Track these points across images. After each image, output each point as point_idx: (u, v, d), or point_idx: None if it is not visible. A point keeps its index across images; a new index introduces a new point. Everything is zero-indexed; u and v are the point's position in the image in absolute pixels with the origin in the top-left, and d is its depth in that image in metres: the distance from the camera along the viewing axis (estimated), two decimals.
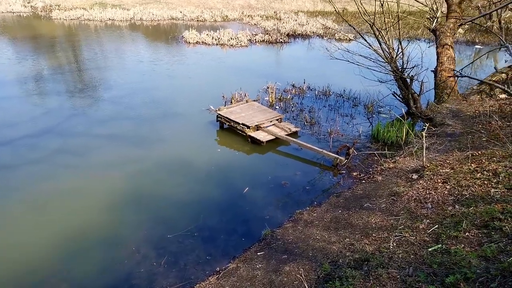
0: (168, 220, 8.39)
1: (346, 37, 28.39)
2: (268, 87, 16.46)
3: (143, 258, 7.26)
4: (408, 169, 10.03)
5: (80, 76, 19.03)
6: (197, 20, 34.05)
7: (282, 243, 7.21)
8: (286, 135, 12.10)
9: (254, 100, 14.60)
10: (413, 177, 9.12)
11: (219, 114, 12.87)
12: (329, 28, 30.21)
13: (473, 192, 7.05)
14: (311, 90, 17.16)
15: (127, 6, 38.55)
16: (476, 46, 27.68)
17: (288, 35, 28.96)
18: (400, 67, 14.13)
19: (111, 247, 7.52)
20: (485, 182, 7.29)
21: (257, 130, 12.38)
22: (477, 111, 13.86)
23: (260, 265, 6.58)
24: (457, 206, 6.79)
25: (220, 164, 10.87)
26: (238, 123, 12.32)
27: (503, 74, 15.75)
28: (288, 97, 16.19)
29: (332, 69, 21.62)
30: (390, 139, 12.30)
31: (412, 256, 5.61)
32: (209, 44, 25.79)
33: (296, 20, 33.19)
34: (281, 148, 12.03)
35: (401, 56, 14.17)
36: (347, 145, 11.41)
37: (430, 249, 5.61)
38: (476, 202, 6.65)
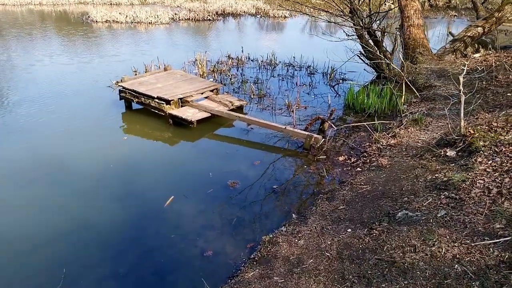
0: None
1: (282, 14, 24.58)
2: (196, 59, 11.95)
3: None
4: (421, 144, 6.15)
5: None
6: (110, 4, 28.40)
7: None
8: (228, 110, 7.74)
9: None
10: (448, 154, 5.19)
11: (123, 87, 8.16)
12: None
13: None
14: (252, 61, 12.92)
15: None
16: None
17: (217, 13, 24.52)
18: (365, 18, 10.35)
19: None
20: None
21: (182, 106, 7.87)
22: (468, 68, 10.48)
23: None
24: None
25: (124, 163, 6.26)
26: (152, 97, 7.72)
27: (479, 28, 12.62)
28: (224, 68, 11.81)
29: (276, 39, 17.56)
30: (373, 107, 8.40)
31: None
32: (121, 23, 20.58)
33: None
34: (221, 131, 7.65)
35: (367, 3, 10.41)
36: (320, 116, 7.29)
37: None
38: None
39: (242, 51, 13.13)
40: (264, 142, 7.12)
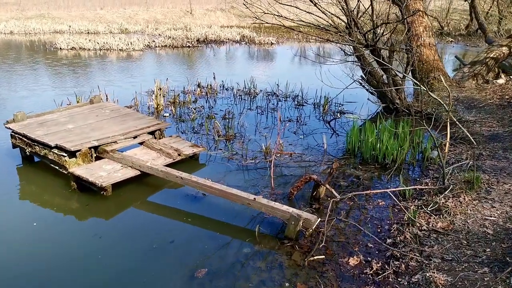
0: None
1: (268, 40, 22.17)
2: (155, 90, 9.12)
3: None
4: (492, 230, 3.27)
5: None
6: (87, 33, 25.90)
7: None
8: (169, 164, 4.83)
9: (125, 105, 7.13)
10: None
11: (13, 131, 5.21)
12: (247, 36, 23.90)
13: None
14: (227, 90, 10.12)
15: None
16: None
17: (198, 41, 22.02)
18: (367, 33, 7.65)
19: None
20: None
21: (98, 158, 4.94)
22: (506, 97, 7.81)
23: None
24: None
25: None
26: (49, 147, 4.78)
27: (504, 48, 10.02)
28: (188, 99, 8.96)
29: (258, 66, 14.90)
30: (390, 155, 5.54)
31: None
32: (89, 50, 17.89)
33: (209, 28, 26.48)
34: (156, 198, 4.70)
35: (370, 16, 7.77)
36: (313, 176, 4.36)
37: None
38: None
39: (214, 78, 10.34)
40: (222, 220, 4.18)
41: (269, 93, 9.69)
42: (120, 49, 18.09)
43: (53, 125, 5.32)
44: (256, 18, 7.88)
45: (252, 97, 9.42)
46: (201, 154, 5.76)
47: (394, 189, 4.31)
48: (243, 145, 6.24)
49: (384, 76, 8.10)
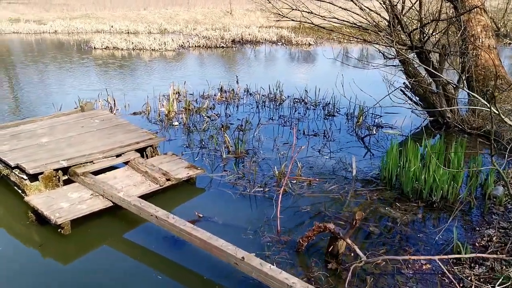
0: None
1: (306, 41, 20.87)
2: (169, 94, 8.20)
3: None
4: None
5: None
6: (127, 33, 25.78)
7: None
8: (155, 191, 3.81)
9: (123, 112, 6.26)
10: None
11: None
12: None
13: None
14: (251, 95, 9.02)
15: (47, 22, 29.94)
16: None
17: (233, 41, 21.10)
18: (411, 33, 6.25)
19: None
20: None
21: (69, 181, 4.00)
22: None
23: None
24: None
25: None
26: (8, 166, 3.91)
27: None
28: (205, 105, 7.94)
29: (290, 69, 13.71)
30: (439, 190, 4.20)
31: None
32: (122, 49, 17.47)
33: (247, 28, 25.52)
34: (132, 236, 3.68)
35: (418, 12, 6.40)
36: (330, 227, 3.14)
37: None
38: None
39: (237, 81, 9.26)
40: (206, 276, 3.08)
41: (296, 100, 8.48)
42: (152, 49, 17.51)
43: (27, 137, 4.46)
44: (280, 15, 6.72)
45: (277, 104, 8.26)
46: (201, 176, 4.69)
47: (445, 257, 2.99)
48: (254, 165, 5.11)
49: (433, 84, 6.67)
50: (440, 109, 6.39)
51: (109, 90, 8.23)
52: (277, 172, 4.78)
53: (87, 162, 4.09)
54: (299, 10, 6.70)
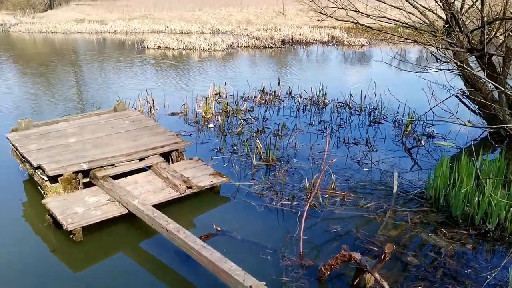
0: None
1: (359, 42, 20.01)
2: (208, 95, 8.06)
3: None
4: None
5: None
6: (181, 33, 26.37)
7: None
8: (175, 199, 3.58)
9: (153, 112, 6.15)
10: None
11: (11, 143, 4.43)
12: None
13: None
14: (293, 98, 8.63)
15: (108, 22, 31.45)
16: None
17: (283, 41, 20.73)
18: (469, 34, 5.50)
19: None
20: None
21: (89, 185, 3.90)
22: None
23: None
24: None
25: None
26: (32, 166, 3.88)
27: None
28: (243, 107, 7.67)
29: (338, 71, 13.11)
30: (491, 214, 3.57)
31: None
32: (173, 49, 17.78)
33: (298, 29, 25.01)
34: (147, 245, 3.47)
35: (479, 10, 5.63)
36: (356, 257, 2.70)
37: None
38: None
39: (279, 83, 8.91)
40: None
41: (340, 104, 7.97)
42: (202, 49, 17.66)
43: (55, 137, 4.45)
44: (323, 14, 6.27)
45: (319, 108, 7.80)
46: (227, 184, 4.41)
47: None
48: (284, 175, 4.74)
49: (495, 91, 5.88)
50: (502, 124, 5.60)
51: (152, 89, 8.24)
52: (307, 184, 4.38)
53: (108, 165, 3.98)
54: (343, 8, 6.21)
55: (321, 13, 6.20)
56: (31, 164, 3.89)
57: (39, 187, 4.03)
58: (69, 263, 3.28)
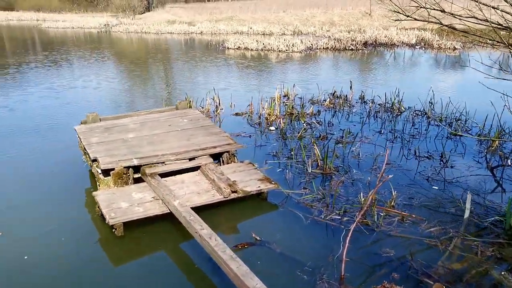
0: None
1: (451, 45, 18.30)
2: (275, 96, 7.90)
3: None
4: None
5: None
6: (263, 34, 26.67)
7: None
8: (219, 202, 3.51)
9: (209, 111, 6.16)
10: None
11: (78, 135, 4.72)
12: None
13: None
14: (365, 103, 8.09)
15: (196, 23, 33.07)
16: None
17: (365, 43, 19.78)
18: None
19: None
20: None
21: (138, 180, 3.98)
22: None
23: None
24: None
25: None
26: (90, 159, 4.08)
27: None
28: (309, 110, 7.37)
29: (421, 77, 12.10)
30: None
31: None
32: (252, 49, 17.98)
33: (384, 30, 23.69)
34: (186, 247, 3.42)
35: None
36: None
37: None
38: None
39: (351, 87, 8.41)
40: None
41: (417, 112, 7.26)
42: (279, 50, 17.62)
43: (117, 131, 4.65)
44: (401, 13, 5.70)
45: (393, 116, 7.19)
46: (275, 191, 4.21)
47: None
48: (340, 186, 4.38)
49: None
50: None
51: (224, 89, 8.38)
52: (363, 199, 3.98)
53: (158, 163, 4.03)
54: (425, 8, 5.59)
55: (399, 12, 5.66)
56: (89, 156, 4.11)
57: (96, 179, 4.24)
58: (107, 256, 3.36)
